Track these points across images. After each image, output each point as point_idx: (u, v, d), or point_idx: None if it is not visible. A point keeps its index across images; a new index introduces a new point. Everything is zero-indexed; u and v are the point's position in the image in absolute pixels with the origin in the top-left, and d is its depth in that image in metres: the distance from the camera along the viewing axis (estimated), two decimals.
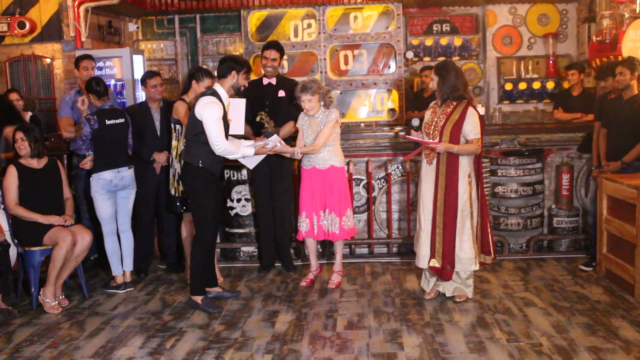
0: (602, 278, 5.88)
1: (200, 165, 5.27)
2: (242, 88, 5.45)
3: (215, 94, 5.28)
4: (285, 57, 9.93)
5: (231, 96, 5.48)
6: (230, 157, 5.34)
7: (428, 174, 5.28)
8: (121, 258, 6.00)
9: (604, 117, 6.14)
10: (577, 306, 5.18)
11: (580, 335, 4.58)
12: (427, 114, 5.39)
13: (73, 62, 8.21)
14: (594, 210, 6.17)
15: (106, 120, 5.80)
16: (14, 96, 6.91)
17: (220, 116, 5.19)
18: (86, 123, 5.76)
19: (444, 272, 5.25)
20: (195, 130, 5.23)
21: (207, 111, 5.15)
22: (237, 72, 5.33)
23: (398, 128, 7.51)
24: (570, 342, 4.46)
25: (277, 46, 6.29)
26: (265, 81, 6.30)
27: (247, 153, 5.40)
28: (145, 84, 6.30)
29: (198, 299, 5.38)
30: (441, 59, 9.91)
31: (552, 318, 4.93)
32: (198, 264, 5.39)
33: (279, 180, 6.30)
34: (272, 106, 6.19)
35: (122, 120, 5.94)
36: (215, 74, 5.61)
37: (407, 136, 5.40)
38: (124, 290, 5.93)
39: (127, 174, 5.93)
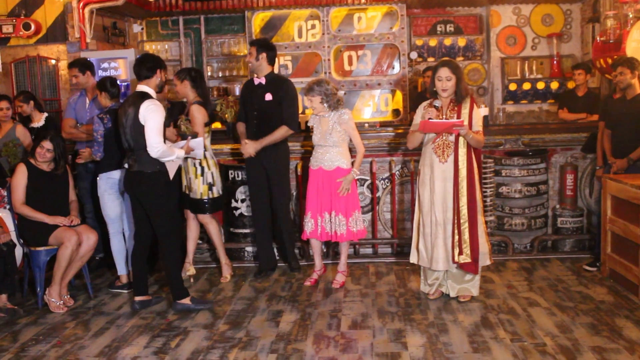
0: (606, 278, 5.88)
1: (157, 169, 5.23)
2: (164, 86, 5.50)
3: (149, 96, 5.24)
4: (289, 57, 10.05)
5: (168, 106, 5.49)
6: (164, 159, 5.26)
7: (441, 172, 5.21)
8: (126, 258, 6.03)
9: (608, 118, 6.14)
10: (581, 306, 5.18)
11: (584, 335, 4.58)
12: (432, 113, 5.31)
13: None
14: (598, 210, 6.17)
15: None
16: (4, 104, 6.64)
17: (163, 120, 5.19)
18: (99, 122, 5.76)
19: (476, 265, 5.25)
20: (144, 139, 5.15)
21: (155, 115, 5.11)
22: (160, 69, 5.33)
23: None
24: (574, 342, 4.46)
25: (254, 41, 6.16)
26: (256, 81, 6.14)
27: (180, 155, 5.40)
28: None
29: (186, 300, 5.37)
30: (445, 59, 9.91)
31: (556, 318, 4.93)
32: (175, 267, 5.39)
33: (277, 179, 6.20)
34: (260, 109, 6.10)
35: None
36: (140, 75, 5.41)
37: (432, 120, 5.11)
38: (129, 290, 5.94)
39: None
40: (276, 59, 6.28)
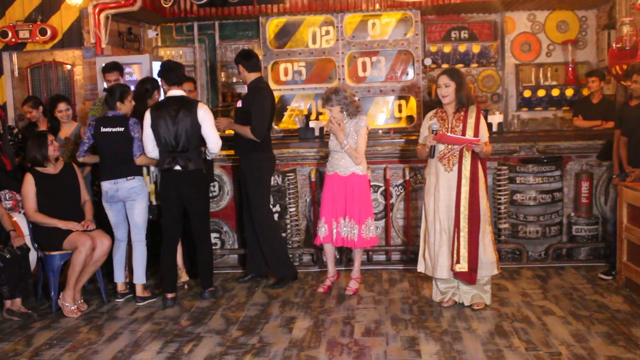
0: (622, 287, 5.82)
1: (204, 166, 5.73)
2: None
3: (193, 99, 5.77)
4: (303, 63, 10.06)
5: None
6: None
7: (447, 181, 5.23)
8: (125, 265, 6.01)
9: (624, 125, 6.09)
10: (597, 315, 5.13)
11: (600, 344, 4.53)
12: (433, 121, 5.29)
13: (93, 68, 8.24)
14: (613, 218, 6.12)
15: (101, 128, 5.67)
16: (62, 106, 6.57)
17: None
18: (87, 127, 5.81)
19: (473, 276, 5.23)
20: (199, 137, 5.60)
21: (211, 116, 5.64)
22: None
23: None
24: (590, 351, 4.41)
25: (235, 58, 6.18)
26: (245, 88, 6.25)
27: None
28: None
29: (211, 287, 5.90)
30: (460, 66, 9.91)
31: (572, 327, 4.89)
32: (212, 258, 5.95)
33: (252, 187, 6.04)
34: (236, 116, 6.14)
35: (121, 129, 5.65)
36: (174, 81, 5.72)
37: (447, 135, 5.16)
38: (122, 299, 5.89)
39: (124, 185, 5.69)
40: (259, 64, 6.19)
